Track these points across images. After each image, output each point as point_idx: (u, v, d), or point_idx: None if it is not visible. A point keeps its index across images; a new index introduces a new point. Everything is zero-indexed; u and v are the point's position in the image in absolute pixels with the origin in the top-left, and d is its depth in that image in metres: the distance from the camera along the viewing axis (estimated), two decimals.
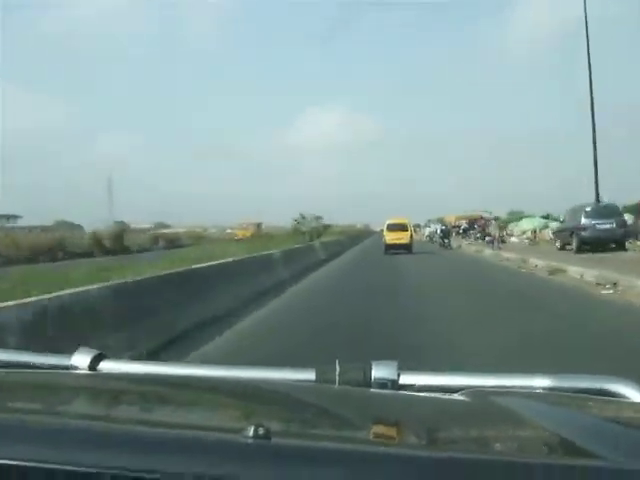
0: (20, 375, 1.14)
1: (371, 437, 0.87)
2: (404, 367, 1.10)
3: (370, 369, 1.07)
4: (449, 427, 0.95)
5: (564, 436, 0.77)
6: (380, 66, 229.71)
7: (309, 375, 1.10)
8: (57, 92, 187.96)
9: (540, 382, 1.06)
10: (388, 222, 31.37)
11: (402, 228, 30.45)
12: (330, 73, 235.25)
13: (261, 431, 0.63)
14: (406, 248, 29.58)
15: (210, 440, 0.68)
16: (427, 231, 46.36)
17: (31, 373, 1.15)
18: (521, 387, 1.06)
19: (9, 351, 1.23)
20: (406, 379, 1.08)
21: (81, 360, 1.13)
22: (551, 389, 1.05)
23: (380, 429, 0.92)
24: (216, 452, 0.64)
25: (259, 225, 49.63)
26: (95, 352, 1.15)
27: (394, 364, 1.09)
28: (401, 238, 29.90)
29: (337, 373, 1.07)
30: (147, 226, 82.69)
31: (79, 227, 52.20)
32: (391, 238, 30.06)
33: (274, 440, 0.64)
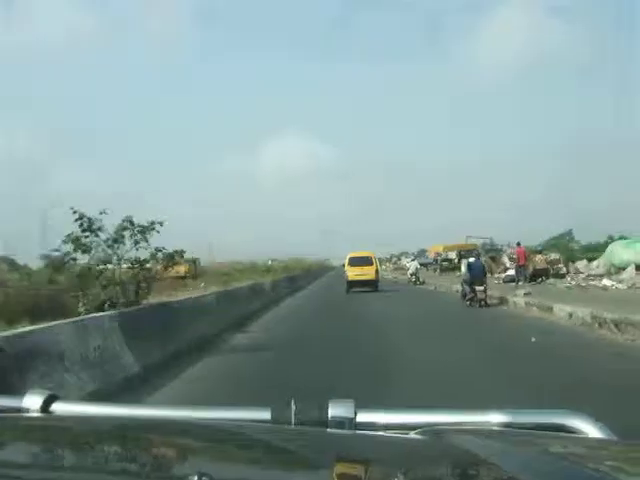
0: None
1: None
2: (361, 405, 1.09)
3: (327, 408, 1.06)
4: (407, 469, 0.93)
5: (519, 477, 0.77)
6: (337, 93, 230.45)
7: (264, 415, 1.09)
8: None
9: (496, 418, 1.06)
10: (350, 255, 28.32)
11: (366, 262, 27.37)
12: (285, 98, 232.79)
13: (205, 479, 0.62)
14: (371, 285, 26.73)
15: None
16: (412, 266, 35.38)
17: None
18: (477, 423, 1.07)
19: None
20: (363, 417, 1.08)
21: (32, 402, 1.10)
22: (507, 425, 1.05)
23: (336, 472, 0.91)
24: None
25: (195, 261, 39.09)
26: (47, 393, 1.13)
27: (351, 402, 1.08)
28: (365, 274, 26.91)
29: (293, 412, 1.07)
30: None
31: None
32: (354, 274, 26.99)
33: None
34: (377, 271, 27.76)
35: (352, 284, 26.79)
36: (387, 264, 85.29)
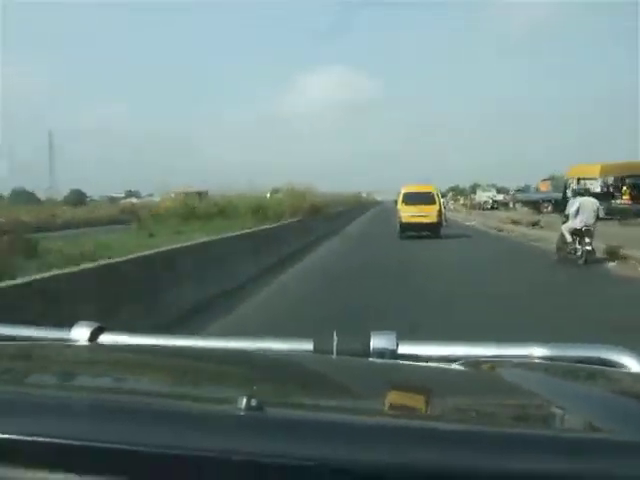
0: (21, 347, 1.14)
1: (370, 407, 0.87)
2: (402, 337, 1.09)
3: (369, 339, 1.07)
4: (448, 397, 0.94)
5: (565, 407, 0.77)
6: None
7: (306, 345, 1.10)
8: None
9: (538, 351, 1.06)
10: (404, 190, 21.90)
11: (426, 199, 20.87)
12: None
13: (253, 402, 0.63)
14: (432, 229, 20.55)
15: (200, 412, 0.68)
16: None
17: (31, 345, 1.16)
18: (519, 356, 1.06)
19: (7, 325, 1.23)
20: (405, 349, 1.08)
21: (81, 333, 1.14)
22: (549, 359, 1.05)
23: (379, 399, 0.92)
24: (206, 424, 0.63)
25: (200, 194, 26.53)
26: (94, 325, 1.16)
27: (393, 334, 1.09)
28: (425, 215, 20.63)
29: (335, 343, 1.08)
30: (119, 195, 73.58)
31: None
32: (410, 215, 20.78)
33: (267, 411, 0.64)
34: (440, 212, 21.12)
35: (407, 227, 20.86)
36: (457, 200, 65.58)
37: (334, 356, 1.06)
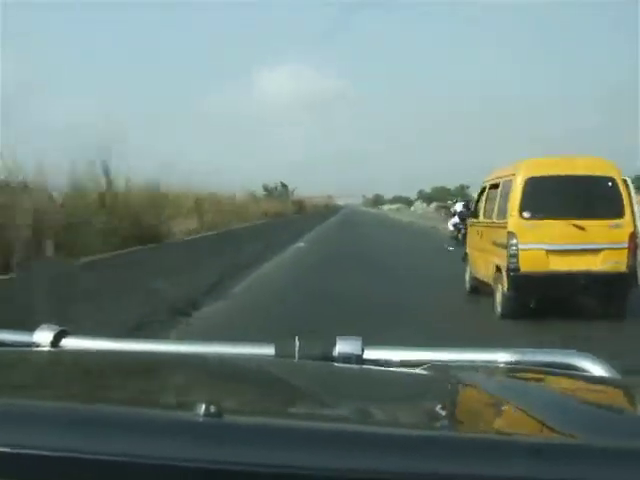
0: None
1: (331, 413, 0.86)
2: (368, 342, 1.08)
3: (333, 344, 1.05)
4: (410, 402, 0.93)
5: (527, 412, 0.77)
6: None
7: (268, 350, 1.09)
8: None
9: (502, 357, 1.05)
10: (529, 172, 7.69)
11: (600, 201, 7.48)
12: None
13: (212, 409, 0.63)
14: (610, 294, 7.48)
15: (158, 418, 0.67)
16: None
17: None
18: (483, 361, 1.06)
19: None
20: (370, 354, 1.06)
21: (43, 337, 1.14)
22: (514, 363, 1.05)
23: (341, 404, 0.91)
24: (164, 431, 0.63)
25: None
26: (58, 328, 1.16)
27: (358, 339, 1.07)
28: (599, 250, 7.28)
29: (297, 348, 1.05)
30: None
31: None
32: (548, 249, 7.31)
33: (225, 418, 0.63)
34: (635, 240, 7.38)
35: (532, 287, 7.45)
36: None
37: (296, 361, 1.05)
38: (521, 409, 0.78)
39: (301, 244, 20.56)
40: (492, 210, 8.40)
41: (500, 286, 7.54)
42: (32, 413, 0.66)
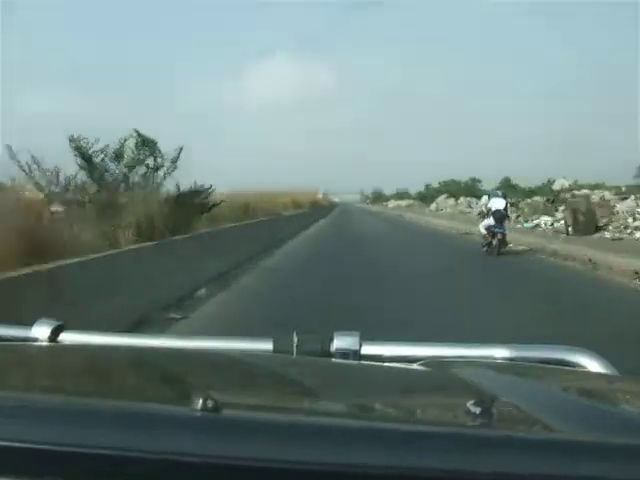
0: None
1: (329, 408, 0.86)
2: (366, 338, 1.08)
3: (331, 339, 1.06)
4: (407, 398, 0.94)
5: (521, 407, 0.77)
6: None
7: (266, 345, 1.09)
8: None
9: (500, 352, 1.06)
10: None
11: None
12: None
13: (210, 403, 0.63)
14: None
15: (156, 413, 0.67)
16: None
17: None
18: (481, 357, 1.07)
19: None
20: (368, 349, 1.07)
21: (41, 332, 1.15)
22: (511, 359, 1.06)
23: (338, 399, 0.91)
24: (161, 425, 0.63)
25: None
26: (55, 323, 1.17)
27: (356, 334, 1.08)
28: None
29: (295, 343, 1.06)
30: None
31: None
32: None
33: (223, 413, 0.63)
34: None
35: None
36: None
37: (294, 356, 1.05)
38: (517, 405, 0.78)
39: None
40: None
41: None
42: (29, 407, 0.66)
